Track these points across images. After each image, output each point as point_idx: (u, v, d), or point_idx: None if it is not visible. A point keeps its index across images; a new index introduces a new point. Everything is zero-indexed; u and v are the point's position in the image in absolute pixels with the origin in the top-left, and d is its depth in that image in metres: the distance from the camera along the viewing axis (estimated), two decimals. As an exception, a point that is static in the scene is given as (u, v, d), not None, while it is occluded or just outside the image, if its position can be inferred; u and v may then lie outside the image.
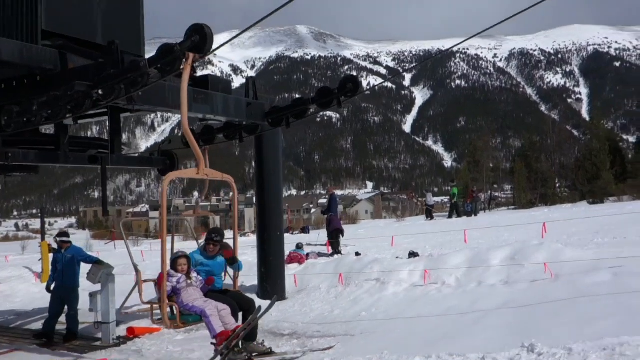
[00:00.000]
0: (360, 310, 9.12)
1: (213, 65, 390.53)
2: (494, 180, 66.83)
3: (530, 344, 5.17)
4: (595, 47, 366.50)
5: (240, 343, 6.39)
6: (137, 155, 19.50)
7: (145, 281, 7.29)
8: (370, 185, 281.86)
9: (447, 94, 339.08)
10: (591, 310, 6.31)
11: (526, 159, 56.03)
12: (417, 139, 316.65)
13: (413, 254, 11.28)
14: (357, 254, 12.82)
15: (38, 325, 9.85)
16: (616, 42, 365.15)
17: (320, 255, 13.89)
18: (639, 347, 4.67)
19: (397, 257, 11.15)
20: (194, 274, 6.85)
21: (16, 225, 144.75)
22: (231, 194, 7.34)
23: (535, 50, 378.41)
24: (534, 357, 5.00)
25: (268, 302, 10.89)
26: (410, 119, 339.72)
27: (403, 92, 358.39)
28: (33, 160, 7.72)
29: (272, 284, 10.68)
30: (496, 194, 70.53)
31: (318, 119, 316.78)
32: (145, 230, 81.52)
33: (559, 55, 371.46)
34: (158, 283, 6.62)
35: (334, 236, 14.80)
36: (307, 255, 13.34)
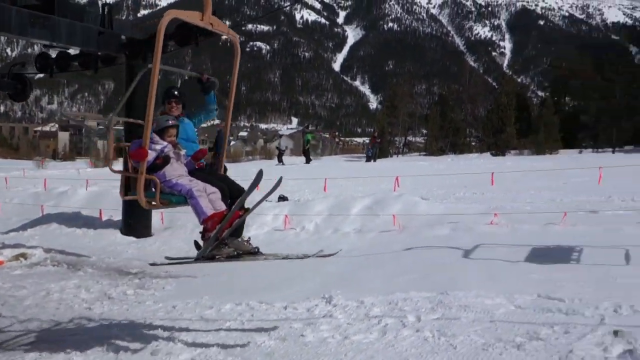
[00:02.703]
0: (215, 251, 9.23)
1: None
2: (410, 126, 68.36)
3: (329, 296, 5.45)
4: (524, 3, 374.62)
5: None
6: None
7: (118, 145, 5.83)
8: (295, 121, 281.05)
9: (378, 35, 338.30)
10: (405, 264, 6.69)
11: (442, 108, 57.60)
12: (346, 78, 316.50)
13: (282, 198, 11.44)
14: (232, 194, 12.82)
15: None
16: (543, 1, 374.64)
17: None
18: (417, 303, 5.03)
19: (266, 200, 11.26)
20: (182, 151, 5.48)
21: None
22: None
23: (467, 1, 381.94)
24: (329, 308, 5.29)
25: (132, 238, 10.97)
26: (340, 57, 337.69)
27: (336, 30, 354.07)
28: None
29: (136, 219, 10.58)
30: (411, 138, 72.43)
31: (247, 49, 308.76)
32: (53, 152, 77.98)
33: (489, 8, 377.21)
34: (135, 151, 4.95)
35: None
36: (185, 191, 13.21)
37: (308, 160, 28.08)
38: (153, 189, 4.93)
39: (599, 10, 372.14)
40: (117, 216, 11.46)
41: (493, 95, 63.38)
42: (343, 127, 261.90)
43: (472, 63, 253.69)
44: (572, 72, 56.93)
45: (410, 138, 70.73)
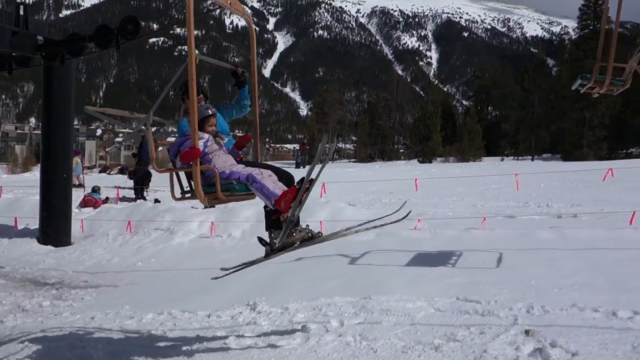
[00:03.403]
0: (138, 260, 8.99)
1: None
2: (340, 133, 69.20)
3: (254, 302, 5.41)
4: (449, 15, 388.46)
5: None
6: None
7: (158, 143, 5.43)
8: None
9: (309, 42, 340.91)
10: (330, 269, 6.74)
11: (371, 115, 58.64)
12: (276, 84, 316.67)
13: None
14: (157, 200, 12.53)
15: None
16: (467, 13, 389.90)
17: (123, 199, 13.38)
18: (341, 308, 5.08)
19: (192, 207, 11.06)
20: (224, 140, 4.99)
21: None
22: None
23: (395, 11, 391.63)
24: (254, 315, 5.25)
25: (50, 247, 10.44)
26: (270, 63, 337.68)
27: (266, 36, 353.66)
28: None
29: (54, 228, 10.12)
30: (341, 145, 73.35)
31: (175, 53, 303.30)
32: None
33: (416, 19, 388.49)
34: (187, 152, 4.38)
35: (141, 181, 14.30)
36: (107, 199, 12.77)
37: None
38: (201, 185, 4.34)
39: (519, 24, 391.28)
40: (34, 224, 10.92)
41: (420, 103, 65.28)
42: (274, 133, 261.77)
43: (400, 72, 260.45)
44: (494, 83, 59.50)
45: (340, 145, 71.68)
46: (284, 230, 4.48)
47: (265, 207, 4.78)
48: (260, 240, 4.84)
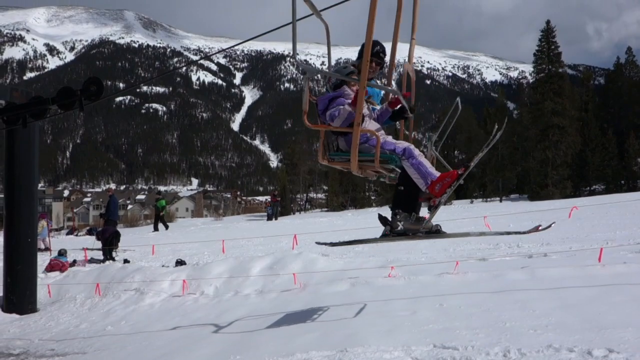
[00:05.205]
0: (108, 324, 8.69)
1: (25, 42, 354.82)
2: (310, 183, 69.54)
3: (228, 362, 5.25)
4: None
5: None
6: None
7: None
8: (195, 182, 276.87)
9: (276, 95, 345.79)
10: (305, 323, 6.63)
11: (340, 164, 59.16)
12: (245, 137, 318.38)
13: (180, 262, 11.07)
14: (126, 261, 12.27)
15: None
16: (428, 62, 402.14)
17: (91, 261, 13.06)
18: (317, 364, 4.96)
19: (162, 265, 10.87)
20: (377, 106, 4.52)
21: None
22: None
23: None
24: (229, 376, 5.08)
25: (15, 315, 10.04)
26: (239, 117, 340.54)
27: (233, 90, 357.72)
28: None
29: (19, 295, 9.77)
30: (313, 195, 73.50)
31: (143, 111, 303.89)
32: None
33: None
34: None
35: (109, 242, 14.00)
36: (74, 262, 12.45)
37: (160, 227, 25.98)
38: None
39: (478, 70, 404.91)
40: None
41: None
42: (245, 186, 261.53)
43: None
44: (458, 127, 61.02)
45: (311, 195, 71.86)
46: (431, 215, 4.20)
47: (399, 185, 4.49)
48: (382, 218, 4.57)
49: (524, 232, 4.70)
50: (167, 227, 26.52)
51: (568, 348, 4.46)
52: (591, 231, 11.96)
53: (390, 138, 4.40)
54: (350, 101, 4.26)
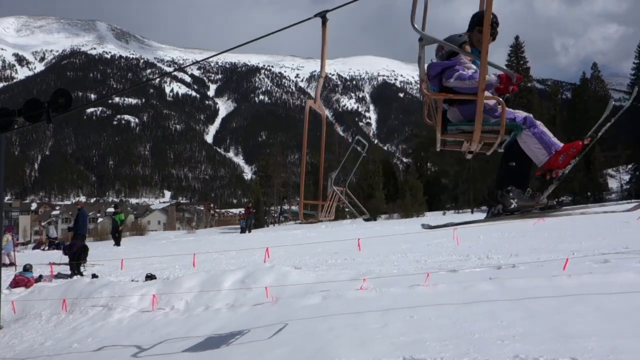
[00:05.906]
0: (74, 341, 8.49)
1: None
2: (284, 195, 69.42)
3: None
4: (384, 77, 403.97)
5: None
6: None
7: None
8: (168, 194, 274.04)
9: (250, 107, 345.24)
10: (275, 337, 6.60)
11: (315, 176, 59.15)
12: (219, 149, 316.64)
13: (150, 277, 10.92)
14: (94, 275, 12.05)
15: None
16: (401, 75, 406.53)
17: (58, 276, 12.79)
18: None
19: (132, 280, 10.70)
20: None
21: None
22: None
23: (333, 75, 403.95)
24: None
25: None
26: (212, 129, 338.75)
27: (207, 102, 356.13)
28: None
29: (-18, 312, 9.49)
30: (287, 207, 73.34)
31: (115, 122, 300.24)
32: None
33: (354, 82, 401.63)
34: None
35: (77, 256, 13.73)
36: (40, 277, 12.17)
37: (118, 242, 24.73)
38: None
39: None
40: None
41: (362, 162, 66.47)
42: (218, 198, 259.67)
43: (341, 133, 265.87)
44: (431, 140, 61.61)
45: (285, 207, 71.69)
46: (548, 190, 3.94)
47: (510, 161, 4.26)
48: (491, 196, 4.38)
49: (628, 210, 4.49)
50: (118, 243, 24.70)
51: (534, 358, 4.52)
52: (558, 242, 12.17)
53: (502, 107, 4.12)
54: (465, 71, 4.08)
